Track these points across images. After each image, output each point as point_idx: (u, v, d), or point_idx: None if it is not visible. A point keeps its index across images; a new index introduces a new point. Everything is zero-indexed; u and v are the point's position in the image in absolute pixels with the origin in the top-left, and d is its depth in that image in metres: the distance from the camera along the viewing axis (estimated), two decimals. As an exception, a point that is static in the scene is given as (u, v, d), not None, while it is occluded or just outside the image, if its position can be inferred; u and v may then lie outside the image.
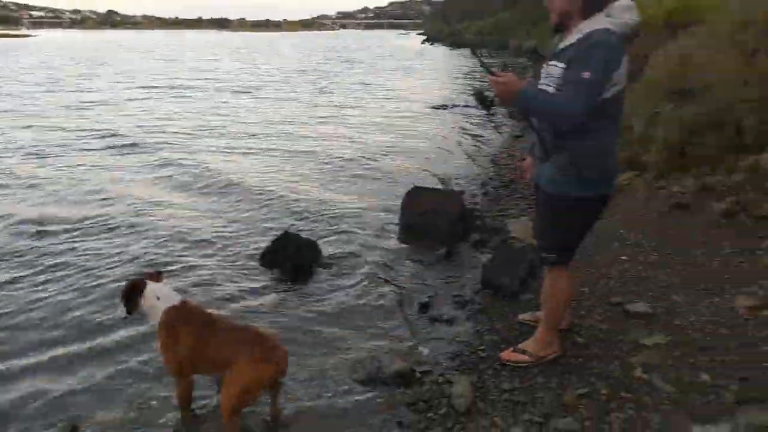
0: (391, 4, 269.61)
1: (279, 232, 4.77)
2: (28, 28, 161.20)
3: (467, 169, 7.78)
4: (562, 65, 2.31)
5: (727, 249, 3.79)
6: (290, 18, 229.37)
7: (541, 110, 2.34)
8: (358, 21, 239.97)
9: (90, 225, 5.49)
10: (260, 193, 6.55)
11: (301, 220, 5.70)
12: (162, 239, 5.11)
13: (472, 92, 2.74)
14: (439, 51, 44.17)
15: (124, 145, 9.14)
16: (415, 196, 5.27)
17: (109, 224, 5.51)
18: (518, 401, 2.60)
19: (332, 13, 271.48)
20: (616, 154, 2.53)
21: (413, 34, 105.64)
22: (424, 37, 70.09)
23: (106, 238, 5.17)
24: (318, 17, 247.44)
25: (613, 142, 2.47)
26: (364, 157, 8.44)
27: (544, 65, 2.50)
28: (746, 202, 4.19)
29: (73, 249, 4.89)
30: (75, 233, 5.28)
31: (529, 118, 2.57)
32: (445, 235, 4.87)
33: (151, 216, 5.73)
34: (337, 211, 5.93)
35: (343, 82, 20.06)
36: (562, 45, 2.39)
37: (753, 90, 5.15)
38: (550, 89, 2.33)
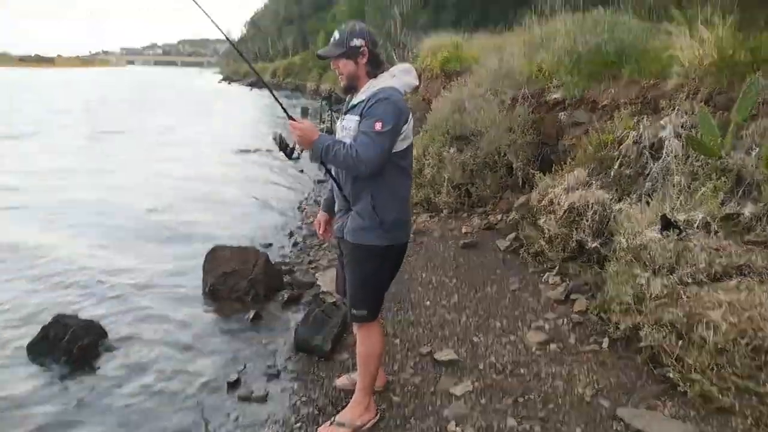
0: (180, 41, 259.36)
1: (53, 315, 3.97)
2: None
3: (273, 218, 7.54)
4: (356, 118, 2.43)
5: (514, 285, 4.17)
6: (65, 54, 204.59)
7: (337, 158, 2.39)
8: (146, 57, 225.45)
9: None
10: (30, 267, 5.47)
11: (82, 296, 4.84)
12: None
13: (272, 137, 2.67)
14: (238, 90, 43.54)
15: None
16: (215, 256, 4.87)
17: None
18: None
19: (116, 49, 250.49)
20: (410, 205, 2.71)
21: (209, 72, 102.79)
22: (221, 76, 68.79)
23: None
24: (98, 53, 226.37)
25: (407, 192, 2.66)
26: (158, 210, 7.67)
27: (339, 120, 2.63)
28: (524, 238, 4.70)
29: None
30: None
31: (328, 169, 2.63)
32: (250, 297, 4.57)
33: None
34: (127, 280, 5.19)
35: (135, 124, 18.41)
36: (354, 101, 2.52)
37: (516, 135, 5.91)
38: (347, 140, 2.44)
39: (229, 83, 57.23)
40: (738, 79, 4.10)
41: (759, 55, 4.21)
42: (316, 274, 5.02)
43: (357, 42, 2.45)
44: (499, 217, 5.42)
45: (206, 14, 2.67)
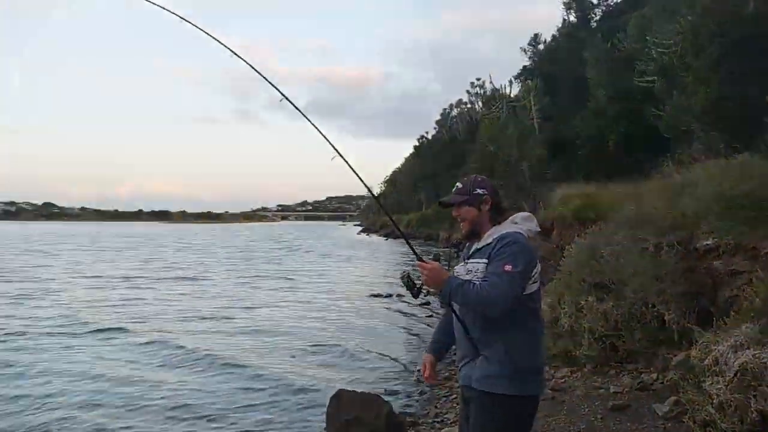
0: (328, 198, 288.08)
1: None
2: None
3: (402, 364, 7.39)
4: (483, 261, 2.39)
5: (678, 460, 3.48)
6: (232, 210, 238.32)
7: (468, 297, 2.31)
8: (297, 213, 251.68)
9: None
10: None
11: None
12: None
13: (400, 276, 2.70)
14: (376, 240, 46.13)
15: (102, 329, 9.39)
16: (340, 401, 4.78)
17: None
18: None
19: (273, 205, 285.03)
20: (544, 353, 2.51)
21: (351, 224, 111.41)
22: (361, 228, 73.82)
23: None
24: (258, 210, 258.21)
25: (540, 338, 2.47)
26: (293, 350, 7.97)
27: (462, 264, 2.56)
28: (687, 403, 4.01)
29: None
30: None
31: (454, 311, 2.52)
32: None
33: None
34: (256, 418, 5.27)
35: (284, 269, 20.34)
36: (477, 246, 2.49)
37: (665, 284, 5.37)
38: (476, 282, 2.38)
39: (368, 234, 61.17)
40: None
41: None
42: (443, 430, 4.65)
43: (480, 191, 2.51)
44: (654, 376, 4.75)
45: (354, 171, 2.81)
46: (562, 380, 5.33)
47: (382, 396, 5.12)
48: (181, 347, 8.22)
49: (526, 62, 41.89)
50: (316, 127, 2.79)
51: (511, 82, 40.67)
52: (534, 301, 2.41)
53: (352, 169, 2.83)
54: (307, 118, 2.82)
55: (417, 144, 77.00)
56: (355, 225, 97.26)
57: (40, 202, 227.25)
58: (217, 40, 3.00)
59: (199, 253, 31.96)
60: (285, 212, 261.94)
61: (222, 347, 8.26)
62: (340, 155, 2.74)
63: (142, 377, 6.74)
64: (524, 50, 42.77)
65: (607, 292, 5.83)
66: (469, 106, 65.86)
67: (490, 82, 43.04)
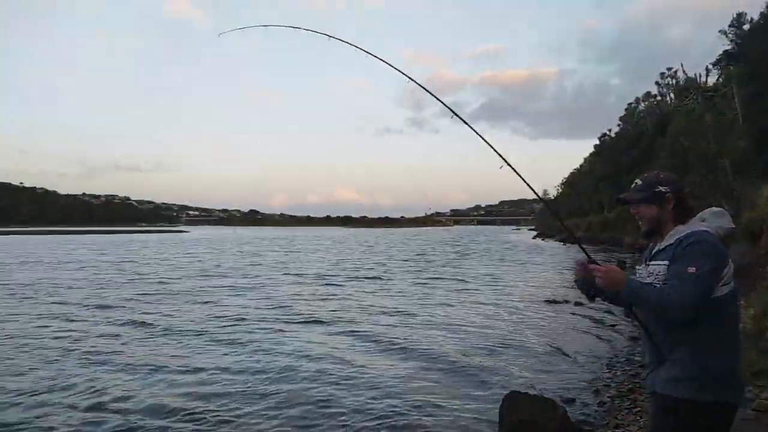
0: (501, 202, 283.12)
1: None
2: (184, 224, 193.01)
3: (579, 373, 7.10)
4: (665, 263, 2.27)
5: None
6: (407, 215, 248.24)
7: (648, 301, 2.22)
8: (470, 218, 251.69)
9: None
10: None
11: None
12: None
13: (574, 278, 2.61)
14: (551, 245, 44.27)
15: (307, 321, 10.73)
16: (513, 403, 4.83)
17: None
18: None
19: (446, 210, 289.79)
20: (741, 361, 2.29)
21: (525, 229, 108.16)
22: (536, 233, 71.24)
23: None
24: (432, 215, 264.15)
25: (734, 343, 2.26)
26: (470, 348, 8.25)
27: (643, 266, 2.45)
28: None
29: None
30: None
31: (635, 315, 2.43)
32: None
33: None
34: (425, 413, 5.58)
35: (461, 272, 20.99)
36: (659, 247, 2.37)
37: None
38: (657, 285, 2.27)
39: (543, 239, 58.81)
40: None
41: None
42: (622, 440, 4.43)
43: (662, 188, 2.38)
44: None
45: (523, 180, 2.85)
46: (766, 399, 4.69)
47: (558, 402, 5.04)
48: (377, 337, 9.18)
49: (727, 46, 36.76)
50: (486, 140, 2.85)
51: (707, 69, 36.05)
52: (726, 304, 2.22)
53: (521, 177, 2.83)
54: (475, 131, 2.90)
55: (598, 142, 72.21)
56: (530, 230, 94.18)
57: (246, 210, 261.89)
58: (393, 66, 3.28)
59: (380, 255, 34.20)
60: (458, 217, 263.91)
61: (410, 338, 9.01)
62: (509, 165, 2.77)
63: (353, 360, 7.65)
64: (725, 33, 37.56)
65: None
66: (659, 98, 59.76)
67: (683, 72, 38.42)
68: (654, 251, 2.40)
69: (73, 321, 10.71)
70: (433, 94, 3.18)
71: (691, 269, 2.14)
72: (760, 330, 5.35)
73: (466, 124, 2.95)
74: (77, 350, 8.17)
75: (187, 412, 5.59)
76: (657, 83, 58.41)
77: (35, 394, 6.13)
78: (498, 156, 2.76)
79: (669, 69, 55.58)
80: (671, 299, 2.14)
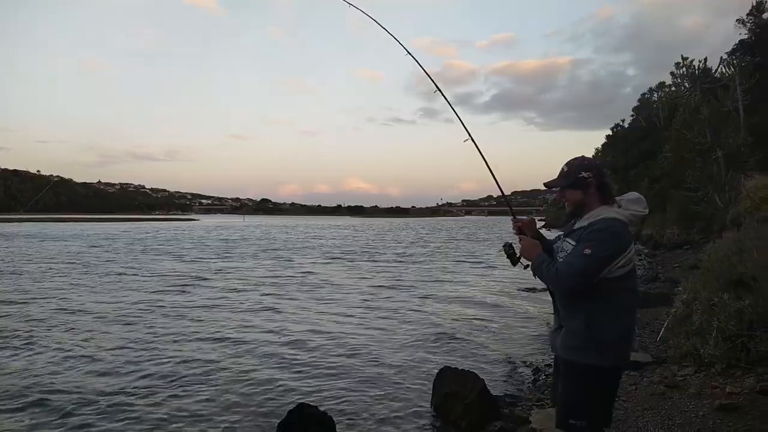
0: (513, 193, 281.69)
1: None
2: (196, 213, 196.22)
3: (531, 352, 7.49)
4: (572, 242, 2.53)
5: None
6: (418, 205, 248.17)
7: (543, 275, 2.55)
8: (482, 208, 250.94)
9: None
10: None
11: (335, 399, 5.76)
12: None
13: (503, 245, 2.84)
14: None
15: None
16: (442, 377, 5.22)
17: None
18: None
19: (458, 200, 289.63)
20: (633, 330, 2.59)
21: (536, 219, 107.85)
22: (543, 223, 71.06)
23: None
24: (443, 205, 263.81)
25: (625, 313, 2.50)
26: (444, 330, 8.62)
27: (559, 241, 2.72)
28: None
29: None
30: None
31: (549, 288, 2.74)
32: (464, 422, 4.67)
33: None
34: (371, 384, 6.00)
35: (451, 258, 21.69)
36: (576, 226, 2.61)
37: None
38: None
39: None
40: None
41: None
42: (533, 411, 4.79)
43: (584, 174, 2.55)
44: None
45: (481, 154, 3.35)
46: (682, 378, 5.01)
47: (479, 376, 5.39)
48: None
49: (745, 36, 36.03)
50: (456, 113, 3.53)
51: (722, 60, 35.41)
52: (619, 282, 2.43)
53: (480, 153, 3.40)
54: (446, 98, 3.67)
55: (610, 133, 71.48)
56: (539, 219, 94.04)
57: (258, 199, 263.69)
58: (403, 46, 3.96)
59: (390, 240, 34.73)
60: (469, 207, 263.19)
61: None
62: (472, 140, 3.38)
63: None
64: (742, 21, 36.73)
65: (747, 291, 5.27)
66: (673, 89, 58.70)
67: (700, 62, 37.80)
68: (570, 229, 2.64)
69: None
70: (438, 87, 3.78)
71: (587, 251, 2.40)
72: (687, 314, 5.64)
73: (443, 96, 3.70)
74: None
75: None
76: (672, 73, 57.45)
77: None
78: (464, 129, 3.32)
79: (685, 58, 54.59)
80: (558, 276, 2.45)
